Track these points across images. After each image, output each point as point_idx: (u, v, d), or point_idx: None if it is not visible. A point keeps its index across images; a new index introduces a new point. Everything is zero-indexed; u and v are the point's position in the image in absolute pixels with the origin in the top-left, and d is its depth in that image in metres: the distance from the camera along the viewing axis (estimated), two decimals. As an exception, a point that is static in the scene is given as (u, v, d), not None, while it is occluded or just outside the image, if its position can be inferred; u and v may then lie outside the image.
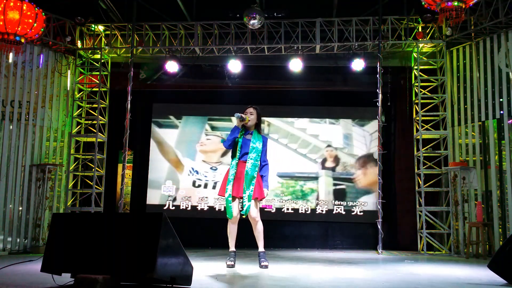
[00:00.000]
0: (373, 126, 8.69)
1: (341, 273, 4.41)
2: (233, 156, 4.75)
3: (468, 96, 7.60)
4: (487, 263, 3.88)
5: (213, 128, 9.13)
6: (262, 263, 4.60)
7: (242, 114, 4.72)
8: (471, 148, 7.49)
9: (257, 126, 4.84)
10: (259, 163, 4.73)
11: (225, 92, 8.95)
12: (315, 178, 8.85)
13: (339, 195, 8.75)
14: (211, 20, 8.11)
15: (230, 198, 4.65)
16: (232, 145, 4.74)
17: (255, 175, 4.65)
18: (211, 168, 8.95)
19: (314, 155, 8.93)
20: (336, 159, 8.89)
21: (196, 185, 8.93)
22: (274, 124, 9.07)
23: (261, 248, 4.73)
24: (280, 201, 8.78)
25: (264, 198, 4.79)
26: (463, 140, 7.64)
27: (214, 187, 8.84)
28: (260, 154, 4.72)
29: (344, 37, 7.92)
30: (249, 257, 5.88)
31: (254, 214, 4.64)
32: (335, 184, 8.80)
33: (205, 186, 8.91)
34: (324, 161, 8.89)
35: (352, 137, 8.94)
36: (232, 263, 4.63)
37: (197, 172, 8.96)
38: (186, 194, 8.89)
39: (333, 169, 8.85)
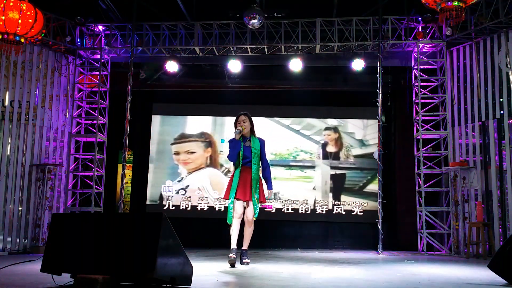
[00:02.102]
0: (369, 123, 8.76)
1: (341, 273, 4.41)
2: (236, 163, 5.01)
3: (468, 96, 7.60)
4: (487, 263, 3.88)
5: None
6: (244, 260, 4.93)
7: (238, 128, 4.97)
8: (471, 148, 7.49)
9: (252, 130, 5.10)
10: (260, 165, 5.08)
11: (225, 92, 8.96)
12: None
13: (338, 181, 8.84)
14: (211, 20, 8.11)
15: (232, 205, 4.93)
16: (237, 157, 4.98)
17: (258, 178, 5.01)
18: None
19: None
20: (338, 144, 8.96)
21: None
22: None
23: (245, 246, 5.05)
24: (280, 201, 8.79)
25: (265, 202, 5.21)
26: (463, 140, 7.63)
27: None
28: (260, 156, 5.05)
29: (344, 37, 7.92)
30: (250, 257, 5.86)
31: (252, 216, 4.99)
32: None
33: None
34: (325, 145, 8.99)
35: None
36: (233, 258, 4.75)
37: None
38: (186, 194, 8.90)
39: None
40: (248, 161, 4.95)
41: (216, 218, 8.57)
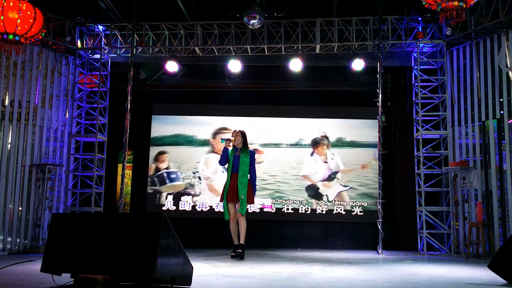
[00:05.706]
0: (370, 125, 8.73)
1: (341, 273, 4.41)
2: (228, 170, 5.98)
3: (468, 96, 7.60)
4: (487, 263, 3.88)
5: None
6: (237, 250, 5.70)
7: (227, 138, 5.89)
8: (471, 148, 7.49)
9: (244, 144, 5.96)
10: (248, 172, 5.89)
11: (225, 92, 8.95)
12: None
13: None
14: (211, 20, 8.10)
15: (226, 204, 5.87)
16: (225, 162, 5.98)
17: (246, 183, 5.83)
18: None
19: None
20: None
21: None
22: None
23: (242, 241, 5.81)
24: (280, 201, 8.78)
25: (253, 203, 6.26)
26: (463, 140, 7.63)
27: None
28: (248, 166, 5.87)
29: (344, 37, 7.91)
30: (249, 257, 5.88)
31: (240, 212, 5.85)
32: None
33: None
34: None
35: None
36: (235, 254, 5.72)
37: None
38: (186, 194, 8.91)
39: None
40: (236, 169, 5.83)
41: (216, 218, 8.56)
